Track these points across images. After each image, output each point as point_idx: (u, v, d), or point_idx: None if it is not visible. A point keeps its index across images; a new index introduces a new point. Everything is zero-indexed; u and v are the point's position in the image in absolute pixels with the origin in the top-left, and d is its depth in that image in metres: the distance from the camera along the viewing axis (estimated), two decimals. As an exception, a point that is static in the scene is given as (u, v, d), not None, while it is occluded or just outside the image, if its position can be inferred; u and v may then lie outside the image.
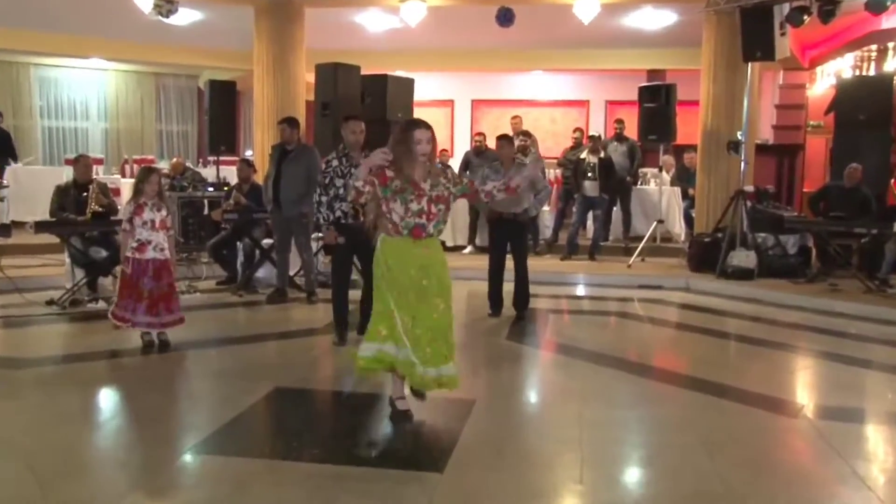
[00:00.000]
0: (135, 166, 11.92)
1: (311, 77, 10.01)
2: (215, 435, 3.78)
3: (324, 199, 5.57)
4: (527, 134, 10.47)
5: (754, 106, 9.77)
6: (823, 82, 13.15)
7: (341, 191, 5.49)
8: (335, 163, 5.61)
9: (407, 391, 4.01)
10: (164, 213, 5.43)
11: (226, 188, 9.38)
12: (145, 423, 4.04)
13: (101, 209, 7.17)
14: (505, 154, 6.58)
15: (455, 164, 12.05)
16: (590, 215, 10.47)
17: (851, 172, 8.70)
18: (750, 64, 8.92)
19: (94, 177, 7.84)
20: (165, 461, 3.46)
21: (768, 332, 6.43)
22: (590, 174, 9.92)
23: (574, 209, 10.39)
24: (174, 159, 11.26)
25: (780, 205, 10.37)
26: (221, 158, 10.81)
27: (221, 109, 10.28)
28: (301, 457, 3.51)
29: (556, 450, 3.72)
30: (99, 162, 11.97)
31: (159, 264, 5.38)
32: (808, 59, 12.78)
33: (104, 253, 7.27)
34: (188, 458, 3.52)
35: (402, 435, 3.90)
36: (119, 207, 7.77)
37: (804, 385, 5.16)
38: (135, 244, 5.34)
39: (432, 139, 3.82)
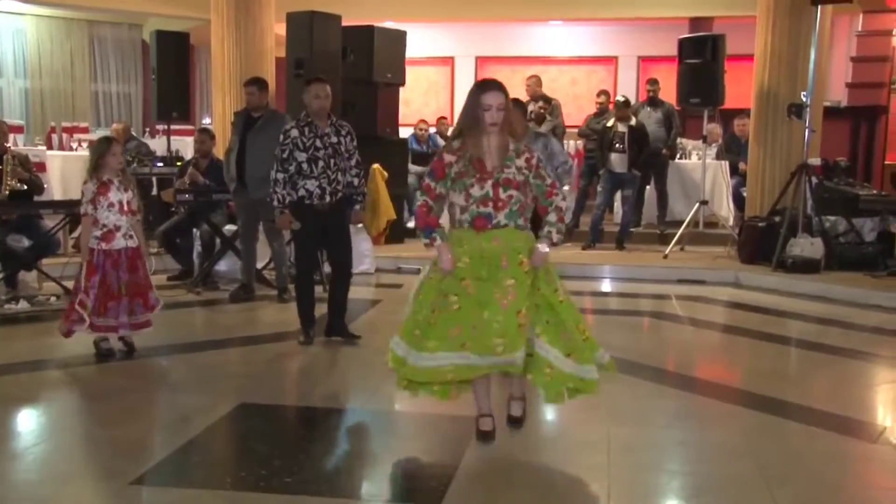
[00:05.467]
0: (63, 136, 11.84)
1: (281, 29, 9.96)
2: (166, 462, 3.75)
3: (280, 176, 5.67)
4: (546, 100, 10.42)
5: (824, 60, 9.71)
6: (916, 28, 12.77)
7: (304, 166, 5.56)
8: (294, 133, 5.71)
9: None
10: (129, 193, 5.46)
11: (179, 163, 9.35)
12: (78, 450, 4.00)
13: (20, 186, 7.12)
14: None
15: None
16: (618, 195, 10.44)
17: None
18: (819, 7, 8.83)
19: (11, 146, 7.79)
20: (104, 497, 3.42)
21: (840, 338, 6.41)
22: (618, 146, 9.90)
23: (599, 188, 10.36)
24: (115, 125, 11.19)
25: (855, 181, 10.30)
26: (173, 127, 10.77)
27: (172, 67, 10.25)
28: (271, 488, 3.47)
29: (578, 479, 3.70)
30: (18, 130, 11.85)
31: (132, 253, 5.43)
32: (896, -2, 12.54)
33: (26, 242, 7.22)
34: (132, 492, 3.46)
35: (391, 460, 3.88)
36: (45, 185, 7.73)
37: (886, 403, 5.11)
38: (98, 232, 5.34)
39: (506, 105, 3.75)
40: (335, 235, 5.85)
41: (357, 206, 5.98)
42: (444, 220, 3.89)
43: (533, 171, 3.83)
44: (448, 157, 3.80)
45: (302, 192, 5.67)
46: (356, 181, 5.88)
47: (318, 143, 5.67)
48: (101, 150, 5.42)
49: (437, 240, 3.77)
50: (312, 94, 5.72)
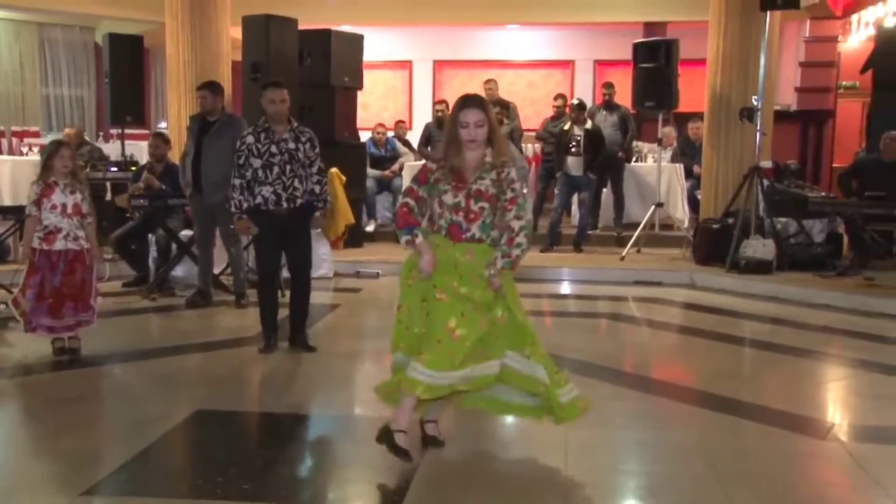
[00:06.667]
0: (13, 140, 11.64)
1: (237, 32, 9.88)
2: (121, 471, 3.69)
3: (237, 182, 5.67)
4: (503, 104, 10.43)
5: (773, 64, 9.86)
6: (860, 34, 12.99)
7: (259, 172, 5.56)
8: (249, 139, 5.68)
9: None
10: (78, 196, 5.42)
11: (133, 168, 9.23)
12: (26, 462, 3.92)
13: None
14: None
15: (414, 138, 12.02)
16: (575, 198, 10.49)
17: (890, 143, 8.81)
18: (769, 13, 8.98)
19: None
20: (58, 506, 3.36)
21: (791, 337, 6.49)
22: (574, 149, 9.94)
23: (556, 191, 10.41)
24: (67, 129, 11.01)
25: (805, 183, 10.49)
26: (127, 131, 10.64)
27: (125, 70, 10.15)
28: (228, 495, 3.45)
29: (535, 480, 3.71)
30: (-34, 134, 11.69)
31: (73, 255, 5.38)
32: (841, 6, 12.72)
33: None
34: (85, 502, 3.40)
35: (349, 465, 3.88)
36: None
37: (835, 400, 5.21)
38: (41, 233, 5.32)
39: (486, 122, 3.74)
40: (295, 241, 5.78)
41: (317, 213, 5.92)
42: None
43: (504, 185, 3.78)
44: (430, 165, 3.84)
45: (259, 199, 5.62)
46: (317, 188, 5.78)
47: (273, 149, 5.60)
48: (49, 151, 5.45)
49: (418, 237, 3.72)
50: (268, 99, 5.66)
